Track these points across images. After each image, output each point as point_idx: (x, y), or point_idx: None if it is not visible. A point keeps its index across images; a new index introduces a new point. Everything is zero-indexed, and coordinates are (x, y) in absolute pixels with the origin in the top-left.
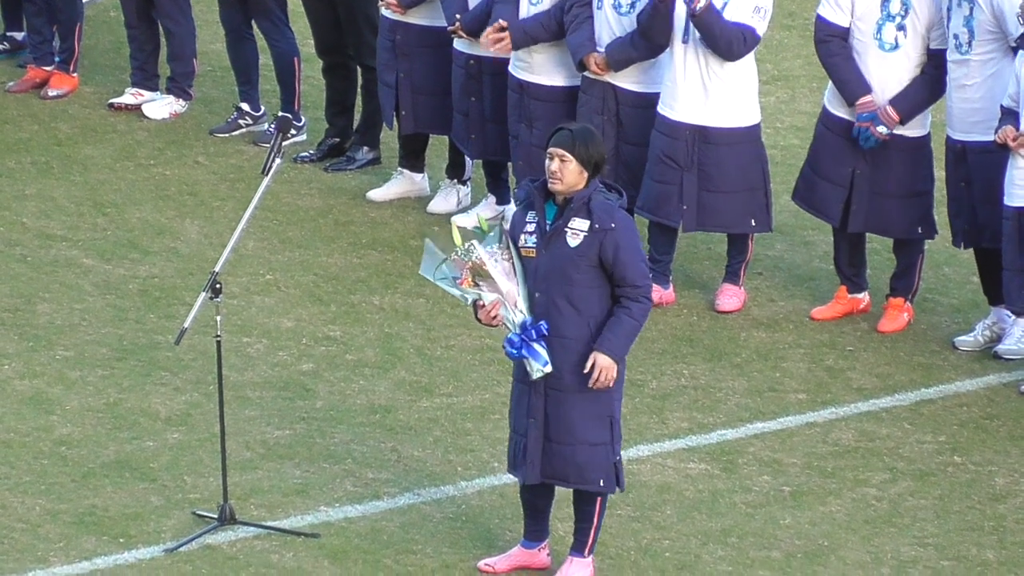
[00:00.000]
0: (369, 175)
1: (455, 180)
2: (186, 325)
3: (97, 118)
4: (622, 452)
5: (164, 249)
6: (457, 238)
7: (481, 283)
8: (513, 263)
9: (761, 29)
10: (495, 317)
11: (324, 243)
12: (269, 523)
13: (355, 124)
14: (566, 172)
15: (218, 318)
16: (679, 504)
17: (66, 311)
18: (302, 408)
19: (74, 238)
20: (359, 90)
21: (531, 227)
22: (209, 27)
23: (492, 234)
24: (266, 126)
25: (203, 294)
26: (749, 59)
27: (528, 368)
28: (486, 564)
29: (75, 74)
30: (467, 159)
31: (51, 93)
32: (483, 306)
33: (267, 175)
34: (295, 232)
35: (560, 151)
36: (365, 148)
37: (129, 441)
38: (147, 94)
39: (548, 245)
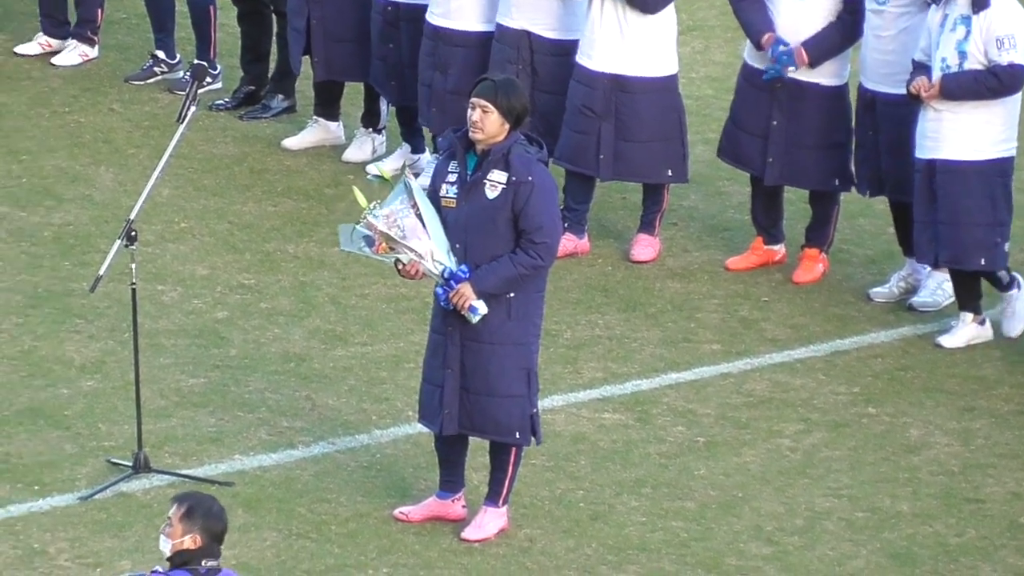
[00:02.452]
0: (284, 123)
1: (370, 129)
2: (101, 273)
3: (11, 65)
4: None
5: (79, 196)
6: (361, 200)
7: (394, 246)
8: (421, 215)
9: None
10: (417, 271)
11: (239, 191)
12: (183, 471)
13: (270, 72)
14: (487, 122)
15: (133, 266)
16: (593, 454)
17: None
18: (216, 356)
19: None
20: (274, 38)
21: (453, 177)
22: None
23: (396, 188)
24: (181, 74)
25: (118, 242)
26: (668, 9)
27: (467, 317)
28: (401, 512)
29: None
30: (382, 108)
31: None
32: (403, 265)
33: (182, 123)
34: (210, 180)
35: (482, 101)
36: (280, 96)
37: (43, 388)
38: (55, 43)
39: (468, 196)
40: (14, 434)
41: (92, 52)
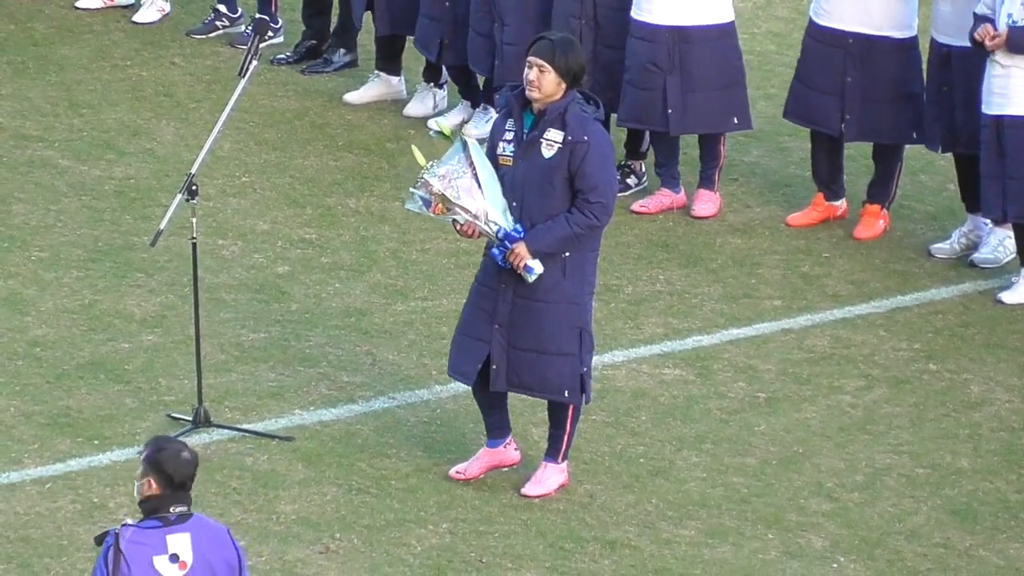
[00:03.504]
0: (346, 78)
1: (431, 83)
2: (162, 227)
3: (73, 18)
4: (595, 359)
5: (140, 150)
6: (420, 158)
7: (449, 206)
8: (477, 175)
9: None
10: (474, 231)
11: (300, 145)
12: (243, 426)
13: (332, 26)
14: (544, 82)
15: (194, 220)
16: (654, 410)
17: (41, 212)
18: (277, 311)
19: (50, 138)
20: None
21: (509, 135)
22: None
23: (454, 146)
24: (243, 28)
25: (179, 195)
26: None
27: (524, 277)
28: (457, 471)
29: None
30: None
31: None
32: (460, 225)
33: (244, 77)
34: (271, 134)
35: (539, 60)
36: (342, 50)
37: (104, 343)
38: None
39: (524, 155)
40: (75, 388)
41: (167, 7)
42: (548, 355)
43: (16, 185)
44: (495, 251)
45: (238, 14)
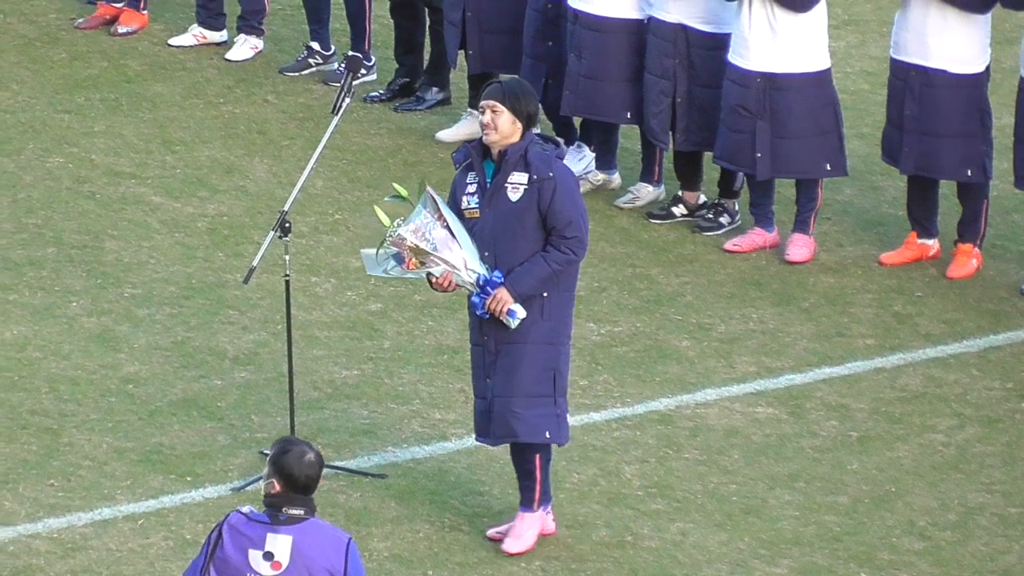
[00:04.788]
0: (438, 115)
1: None
2: (254, 264)
3: (166, 55)
4: (687, 397)
5: (232, 187)
6: (384, 219)
7: (424, 260)
8: (449, 225)
9: None
10: (450, 283)
11: (394, 183)
12: (336, 463)
13: (425, 64)
14: (499, 122)
15: (286, 257)
16: (746, 448)
17: (134, 248)
18: (369, 348)
19: (143, 175)
20: (427, 30)
21: (472, 188)
22: None
23: (420, 202)
24: (336, 65)
25: (272, 233)
26: (819, 4)
27: (506, 323)
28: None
29: (145, 11)
30: None
31: (121, 30)
32: (436, 279)
33: (336, 114)
34: (364, 172)
35: (491, 102)
36: (434, 88)
37: (196, 380)
38: (211, 35)
39: (490, 202)
40: (167, 425)
41: (261, 44)
42: (526, 397)
43: (109, 222)
44: (475, 299)
45: (331, 52)
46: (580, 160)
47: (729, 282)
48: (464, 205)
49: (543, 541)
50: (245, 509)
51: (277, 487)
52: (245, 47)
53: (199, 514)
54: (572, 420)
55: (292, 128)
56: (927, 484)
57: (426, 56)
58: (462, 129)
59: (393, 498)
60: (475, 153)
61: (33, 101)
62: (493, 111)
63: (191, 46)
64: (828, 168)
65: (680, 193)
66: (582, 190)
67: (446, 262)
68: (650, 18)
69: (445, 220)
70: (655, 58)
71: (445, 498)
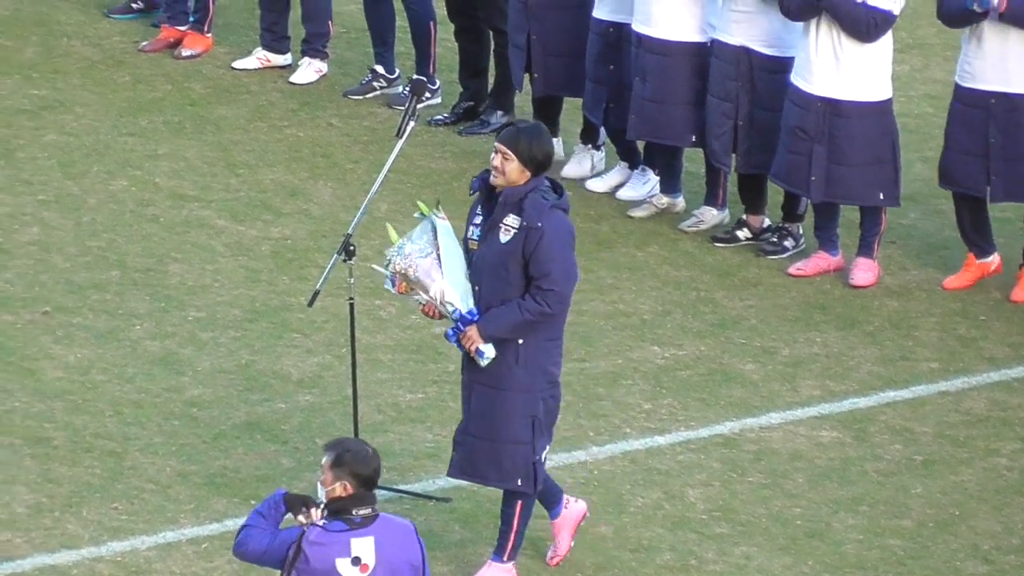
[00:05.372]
0: None
1: (589, 145)
2: (318, 287)
3: (230, 78)
4: (751, 420)
5: (297, 211)
6: (393, 235)
7: (412, 286)
8: (439, 256)
9: (897, 9)
10: (434, 312)
11: (457, 206)
12: (401, 486)
13: (489, 87)
14: (508, 168)
15: (351, 280)
16: (810, 472)
17: (198, 272)
18: (434, 371)
19: (206, 198)
20: (492, 53)
21: (478, 219)
22: None
23: (422, 225)
24: (400, 89)
25: (336, 256)
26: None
27: (476, 360)
28: (553, 558)
29: (209, 34)
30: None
31: (184, 53)
32: (422, 307)
33: (401, 138)
34: (428, 195)
35: (503, 148)
36: (499, 111)
37: (260, 403)
38: (275, 59)
39: (486, 238)
40: (231, 448)
41: (325, 68)
42: (501, 443)
43: (173, 245)
44: (449, 332)
45: (396, 75)
46: (644, 184)
47: (793, 306)
48: (469, 234)
49: (607, 565)
50: (320, 522)
51: (349, 488)
52: (309, 70)
53: None
54: (636, 443)
55: (356, 151)
56: (991, 508)
57: (490, 80)
58: None
59: (457, 521)
60: (486, 186)
61: (97, 124)
62: (504, 157)
63: (255, 69)
64: (881, 197)
65: (744, 217)
66: (646, 213)
67: (426, 291)
68: (713, 41)
69: (439, 248)
70: (718, 81)
71: None
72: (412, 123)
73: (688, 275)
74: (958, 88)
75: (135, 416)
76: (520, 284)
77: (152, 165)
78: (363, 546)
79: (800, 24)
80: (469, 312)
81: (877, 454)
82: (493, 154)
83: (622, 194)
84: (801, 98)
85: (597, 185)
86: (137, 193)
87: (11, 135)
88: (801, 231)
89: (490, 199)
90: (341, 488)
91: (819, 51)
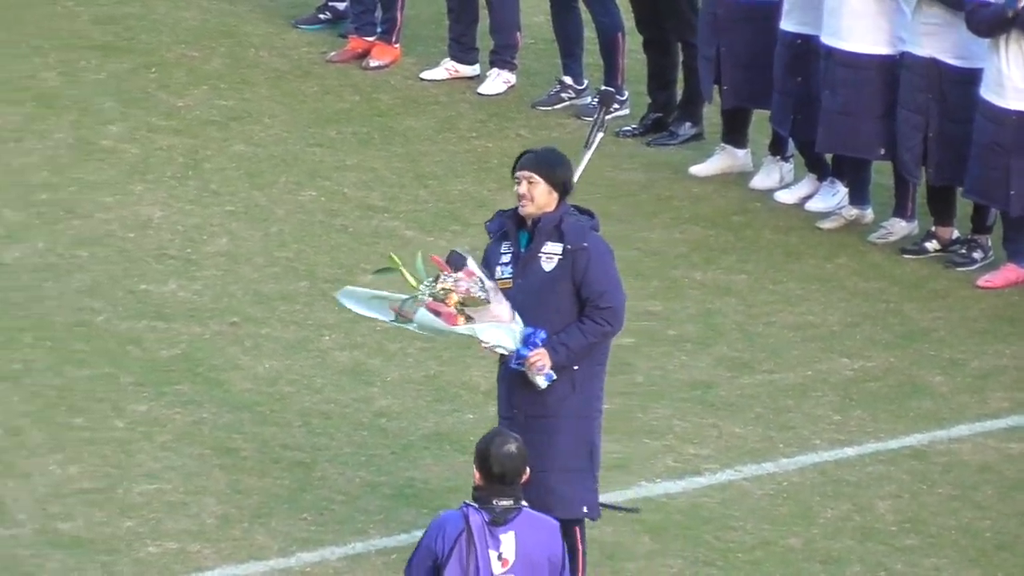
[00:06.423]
0: (691, 150)
1: (778, 156)
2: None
3: (418, 89)
4: (942, 432)
5: (484, 222)
6: (411, 278)
7: (473, 313)
8: (484, 279)
9: None
10: (483, 347)
11: (645, 218)
12: None
13: (678, 99)
14: (536, 192)
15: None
16: (999, 484)
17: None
18: (622, 383)
19: (395, 209)
20: (680, 65)
21: (506, 257)
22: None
23: (454, 262)
24: (589, 100)
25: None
26: None
27: (535, 382)
28: None
29: (397, 45)
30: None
31: (372, 64)
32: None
33: (589, 149)
34: (616, 206)
35: (527, 173)
36: (688, 123)
37: (449, 414)
38: (463, 69)
39: (524, 271)
40: (419, 459)
41: (513, 79)
42: (561, 472)
43: (362, 255)
44: (521, 349)
45: (584, 86)
46: (833, 195)
47: (982, 317)
48: (498, 275)
49: (796, 574)
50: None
51: (478, 477)
52: (497, 81)
53: None
54: (825, 455)
55: None
56: None
57: (678, 91)
58: (715, 164)
59: (646, 532)
60: (510, 223)
61: (285, 135)
62: (530, 182)
63: (443, 80)
64: None
65: (933, 228)
66: (835, 225)
67: (495, 315)
68: (903, 53)
69: (485, 274)
70: (908, 93)
71: (698, 533)
72: (600, 134)
73: (877, 287)
74: None
75: (323, 427)
76: (571, 309)
77: (340, 176)
78: (506, 541)
79: (988, 40)
80: (533, 336)
81: None
82: (516, 184)
83: (811, 205)
84: (994, 113)
85: (786, 196)
86: (325, 204)
87: (199, 146)
88: (990, 243)
89: (508, 237)
90: (475, 476)
91: (1011, 64)
